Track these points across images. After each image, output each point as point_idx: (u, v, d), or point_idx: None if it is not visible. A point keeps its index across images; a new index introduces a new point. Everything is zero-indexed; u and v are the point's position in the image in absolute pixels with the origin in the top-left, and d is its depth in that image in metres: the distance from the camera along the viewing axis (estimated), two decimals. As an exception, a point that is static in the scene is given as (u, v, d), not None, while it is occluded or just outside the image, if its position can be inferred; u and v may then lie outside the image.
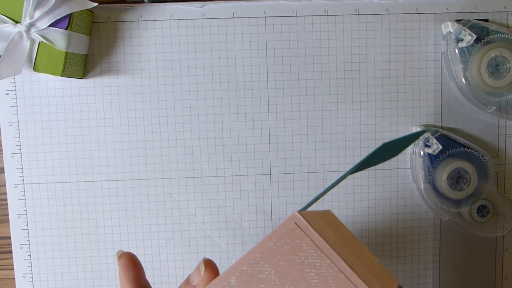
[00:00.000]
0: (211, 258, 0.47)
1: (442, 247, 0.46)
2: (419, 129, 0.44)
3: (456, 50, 0.42)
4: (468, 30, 0.41)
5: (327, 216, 0.22)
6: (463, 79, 0.43)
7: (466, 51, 0.42)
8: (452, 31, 0.42)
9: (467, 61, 0.42)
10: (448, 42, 0.43)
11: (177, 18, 0.43)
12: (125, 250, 0.29)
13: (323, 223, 0.21)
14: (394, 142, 0.24)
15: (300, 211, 0.21)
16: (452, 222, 0.44)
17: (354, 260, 0.20)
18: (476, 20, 0.43)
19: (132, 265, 0.28)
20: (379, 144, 0.45)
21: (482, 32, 0.42)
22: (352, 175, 0.45)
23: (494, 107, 0.43)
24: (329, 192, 0.45)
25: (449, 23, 0.43)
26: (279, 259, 0.20)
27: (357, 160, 0.45)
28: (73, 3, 0.37)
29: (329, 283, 0.19)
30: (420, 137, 0.43)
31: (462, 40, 0.42)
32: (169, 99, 0.44)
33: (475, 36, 0.41)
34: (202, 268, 0.24)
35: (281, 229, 0.21)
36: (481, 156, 0.43)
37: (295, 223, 0.21)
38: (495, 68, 0.42)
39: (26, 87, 0.44)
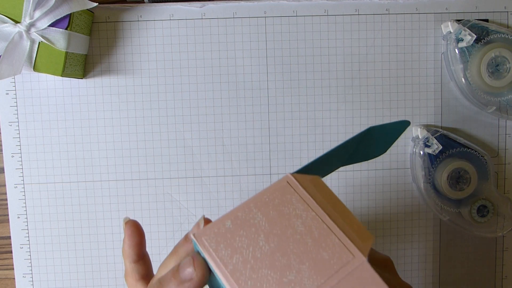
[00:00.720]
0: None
1: (442, 247, 0.46)
2: (419, 129, 0.44)
3: (456, 50, 0.42)
4: (468, 30, 0.41)
5: (316, 180, 0.25)
6: (463, 79, 0.43)
7: (466, 51, 0.42)
8: (452, 31, 0.42)
9: (467, 61, 0.42)
10: (448, 42, 0.43)
11: (177, 18, 0.43)
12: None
13: (311, 185, 0.24)
14: (381, 128, 0.26)
15: (292, 173, 0.24)
16: (452, 222, 0.44)
17: (337, 216, 0.23)
18: (476, 20, 0.43)
19: (137, 232, 0.30)
20: (379, 144, 0.45)
21: (482, 32, 0.42)
22: (352, 175, 0.45)
23: (494, 107, 0.43)
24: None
25: (449, 23, 0.43)
26: (270, 209, 0.22)
27: (357, 160, 0.45)
28: (73, 3, 0.37)
29: (313, 231, 0.22)
30: (420, 137, 0.43)
31: (462, 40, 0.42)
32: (169, 99, 0.44)
33: (475, 36, 0.41)
34: (202, 223, 0.26)
35: (274, 186, 0.23)
36: (481, 156, 0.43)
37: (287, 182, 0.23)
38: (495, 68, 0.42)
39: (26, 87, 0.44)
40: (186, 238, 0.27)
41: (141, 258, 0.29)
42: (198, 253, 0.22)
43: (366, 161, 0.43)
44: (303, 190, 0.23)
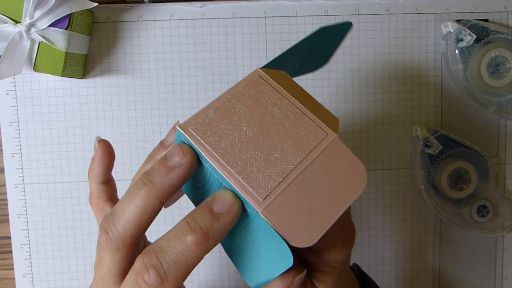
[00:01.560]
0: (210, 258, 0.46)
1: (442, 247, 0.46)
2: (419, 129, 0.44)
3: (456, 50, 0.42)
4: (468, 30, 0.41)
5: (283, 74, 0.27)
6: (463, 79, 0.43)
7: (466, 51, 0.42)
8: (452, 31, 0.42)
9: (467, 61, 0.42)
10: (448, 42, 0.43)
11: (177, 18, 0.43)
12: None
13: (280, 78, 0.26)
14: (330, 28, 0.28)
15: (261, 68, 0.25)
16: (452, 222, 0.44)
17: (306, 103, 0.25)
18: (476, 20, 0.43)
19: (109, 152, 0.29)
20: (378, 144, 0.45)
21: (482, 32, 0.42)
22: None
23: (494, 107, 0.43)
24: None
25: (449, 23, 0.43)
26: (248, 99, 0.24)
27: (357, 160, 0.45)
28: (73, 3, 0.37)
29: (289, 116, 0.24)
30: (420, 137, 0.43)
31: (462, 40, 0.42)
32: (169, 99, 0.44)
33: (475, 36, 0.41)
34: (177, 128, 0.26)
35: (246, 79, 0.25)
36: (481, 156, 0.43)
37: (258, 75, 0.25)
38: (495, 68, 0.42)
39: (26, 87, 0.44)
40: (161, 144, 0.26)
41: (109, 180, 0.29)
42: (184, 143, 0.23)
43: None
44: (273, 81, 0.25)
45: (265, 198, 0.22)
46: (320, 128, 0.24)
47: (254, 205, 0.22)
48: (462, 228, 0.44)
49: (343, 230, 0.26)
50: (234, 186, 0.22)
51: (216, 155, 0.22)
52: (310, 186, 0.23)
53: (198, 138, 0.23)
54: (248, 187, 0.22)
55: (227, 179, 0.22)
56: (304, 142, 0.24)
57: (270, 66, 0.27)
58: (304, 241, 0.22)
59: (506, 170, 0.45)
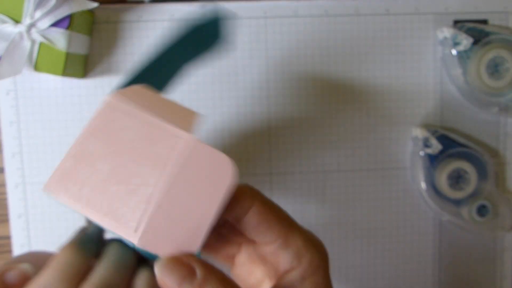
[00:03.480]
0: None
1: (442, 247, 0.46)
2: (418, 129, 0.44)
3: (454, 54, 0.42)
4: (464, 34, 0.41)
5: (140, 89, 0.26)
6: (463, 83, 0.43)
7: (464, 54, 0.42)
8: (448, 36, 0.42)
9: (466, 65, 0.42)
10: (445, 47, 0.43)
11: (177, 19, 0.43)
12: None
13: (135, 95, 0.25)
14: (199, 24, 0.28)
15: (111, 93, 0.25)
16: (452, 222, 0.44)
17: (163, 113, 0.24)
18: (471, 24, 0.43)
19: None
20: (378, 144, 0.45)
21: (479, 34, 0.42)
22: (352, 175, 0.45)
23: (497, 108, 0.43)
24: (329, 192, 0.45)
25: (444, 28, 0.43)
26: (100, 133, 0.24)
27: (357, 160, 0.45)
28: (73, 4, 0.38)
29: (143, 135, 0.23)
30: (420, 137, 0.43)
31: (459, 44, 0.42)
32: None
33: (472, 40, 0.41)
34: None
35: (97, 111, 0.25)
36: (481, 156, 0.43)
37: (110, 101, 0.24)
38: (495, 69, 0.42)
39: (27, 87, 0.44)
40: None
41: None
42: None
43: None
44: (124, 103, 0.24)
45: (136, 230, 0.22)
46: (175, 135, 0.23)
47: (130, 240, 0.22)
48: (462, 228, 0.44)
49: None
50: (108, 227, 0.22)
51: (82, 205, 0.22)
52: (177, 199, 0.22)
53: (62, 195, 0.22)
54: (118, 224, 0.22)
55: (100, 223, 0.22)
56: (161, 157, 0.23)
57: (134, 81, 0.26)
58: (190, 250, 0.22)
59: (506, 170, 0.45)
